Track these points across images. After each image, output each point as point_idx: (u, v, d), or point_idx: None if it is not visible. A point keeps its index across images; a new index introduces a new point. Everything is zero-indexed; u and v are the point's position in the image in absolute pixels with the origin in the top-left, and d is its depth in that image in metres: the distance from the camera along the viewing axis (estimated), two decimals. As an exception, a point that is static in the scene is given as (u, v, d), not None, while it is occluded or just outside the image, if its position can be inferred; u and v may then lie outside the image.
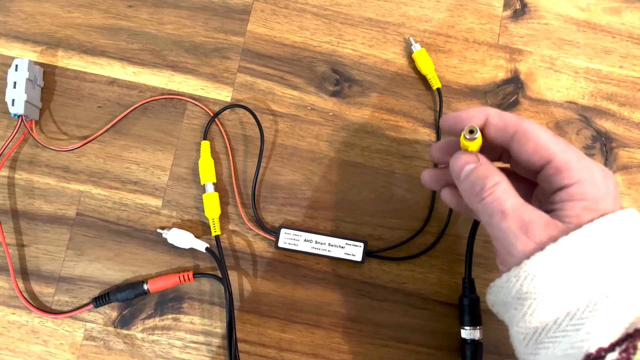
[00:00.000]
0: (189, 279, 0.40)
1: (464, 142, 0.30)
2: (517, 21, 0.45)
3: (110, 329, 0.41)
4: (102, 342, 0.40)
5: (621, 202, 0.28)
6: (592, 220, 0.26)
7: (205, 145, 0.42)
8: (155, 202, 0.42)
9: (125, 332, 0.41)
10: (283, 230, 0.41)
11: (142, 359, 0.40)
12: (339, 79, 0.44)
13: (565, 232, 0.26)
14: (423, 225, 0.42)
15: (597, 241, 0.26)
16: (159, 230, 0.41)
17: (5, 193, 0.42)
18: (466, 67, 0.44)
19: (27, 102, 0.40)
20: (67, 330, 0.40)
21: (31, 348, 0.40)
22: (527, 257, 0.26)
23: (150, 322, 0.41)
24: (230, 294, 0.40)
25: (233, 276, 0.41)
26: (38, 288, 0.41)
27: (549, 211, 0.28)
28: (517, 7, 0.45)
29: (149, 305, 0.41)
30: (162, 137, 0.43)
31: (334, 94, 0.44)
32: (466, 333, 0.40)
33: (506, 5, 0.45)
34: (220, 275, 0.40)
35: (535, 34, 0.45)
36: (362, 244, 0.41)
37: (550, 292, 0.26)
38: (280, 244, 0.41)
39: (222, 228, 0.42)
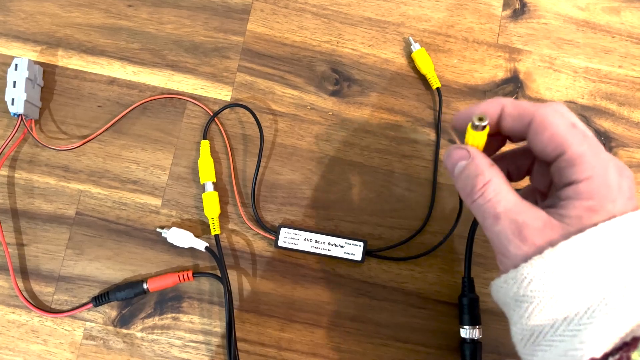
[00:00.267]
0: (189, 278, 0.40)
1: (468, 134, 0.29)
2: (516, 21, 0.45)
3: (110, 328, 0.41)
4: (101, 341, 0.40)
5: (636, 203, 0.26)
6: (595, 224, 0.25)
7: (205, 144, 0.42)
8: (155, 202, 0.42)
9: (124, 331, 0.41)
10: (283, 230, 0.41)
11: (141, 358, 0.40)
12: (338, 79, 0.44)
13: (564, 236, 0.25)
14: (423, 224, 0.42)
15: (599, 246, 0.25)
16: (158, 229, 0.41)
17: (5, 192, 0.42)
18: (466, 67, 0.44)
19: (26, 101, 0.40)
20: (66, 330, 0.40)
21: (31, 347, 0.40)
22: (524, 260, 0.26)
23: (149, 322, 0.41)
24: (230, 293, 0.40)
25: (232, 275, 0.41)
26: (38, 287, 0.41)
27: (552, 206, 0.27)
28: (517, 6, 0.45)
29: (148, 305, 0.41)
30: (161, 137, 0.43)
31: (333, 94, 0.44)
32: (465, 332, 0.40)
33: (506, 5, 0.45)
34: (219, 274, 0.40)
35: (534, 34, 0.45)
36: (361, 244, 0.41)
37: (548, 296, 0.25)
38: (280, 243, 0.41)
39: (221, 227, 0.42)
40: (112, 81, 0.43)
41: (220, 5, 0.44)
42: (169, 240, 0.40)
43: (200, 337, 0.41)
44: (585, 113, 0.44)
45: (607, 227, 0.25)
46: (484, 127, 0.28)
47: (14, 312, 0.41)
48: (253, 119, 0.43)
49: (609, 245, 0.25)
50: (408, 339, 0.41)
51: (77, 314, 0.41)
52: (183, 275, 0.40)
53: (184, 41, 0.44)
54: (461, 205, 0.42)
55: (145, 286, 0.40)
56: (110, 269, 0.41)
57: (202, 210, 0.42)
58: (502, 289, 0.27)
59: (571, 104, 0.44)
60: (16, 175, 0.42)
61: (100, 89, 0.43)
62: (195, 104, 0.43)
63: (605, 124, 0.44)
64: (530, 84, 0.44)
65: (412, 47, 0.43)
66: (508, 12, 0.45)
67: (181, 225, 0.42)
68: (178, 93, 0.43)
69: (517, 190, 0.29)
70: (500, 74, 0.44)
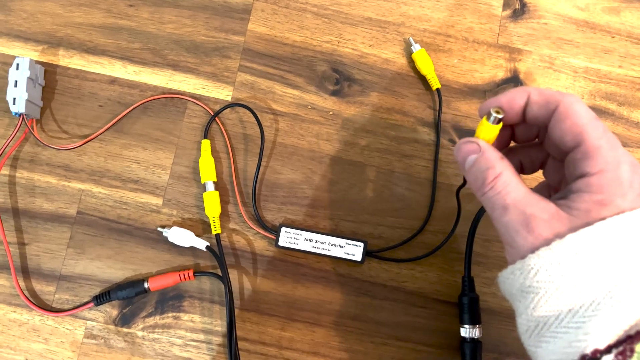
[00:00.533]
0: (190, 278, 0.40)
1: (480, 127, 0.29)
2: (516, 21, 0.45)
3: (111, 327, 0.41)
4: (102, 340, 0.40)
5: None
6: (603, 218, 0.25)
7: (206, 144, 0.42)
8: (156, 201, 0.42)
9: (125, 330, 0.41)
10: (283, 229, 0.41)
11: (142, 357, 0.40)
12: (339, 78, 0.44)
13: (572, 228, 0.25)
14: (423, 224, 0.42)
15: (607, 240, 0.25)
16: (159, 228, 0.41)
17: (6, 191, 0.42)
18: (466, 67, 0.44)
19: (28, 100, 0.40)
20: (67, 329, 0.41)
21: (32, 346, 0.40)
22: (532, 251, 0.26)
23: (150, 321, 0.41)
24: (231, 292, 0.40)
25: (233, 274, 0.41)
26: (39, 286, 0.41)
27: (562, 199, 0.27)
28: (517, 6, 0.45)
29: (149, 304, 0.41)
30: (162, 136, 0.43)
31: (334, 93, 0.44)
32: (466, 331, 0.40)
33: (506, 5, 0.45)
34: (220, 273, 0.40)
35: (534, 34, 0.45)
36: (362, 244, 0.41)
37: (554, 287, 0.25)
38: (281, 243, 0.41)
39: (222, 227, 0.42)
40: (113, 81, 0.43)
41: (221, 5, 0.44)
42: (170, 239, 0.41)
43: (201, 336, 0.41)
44: (585, 113, 0.44)
45: (615, 221, 0.25)
46: (499, 121, 0.28)
47: (15, 311, 0.41)
48: (254, 119, 0.43)
49: (617, 240, 0.25)
50: (408, 338, 0.41)
51: (78, 313, 0.41)
52: (184, 274, 0.40)
53: (184, 41, 0.44)
54: (459, 206, 0.42)
55: (146, 285, 0.40)
56: (111, 268, 0.41)
57: (203, 209, 0.42)
58: (508, 280, 0.28)
59: (571, 104, 0.44)
60: (17, 174, 0.42)
61: (101, 89, 0.43)
62: (196, 103, 0.43)
63: (605, 124, 0.44)
64: (530, 84, 0.44)
65: (412, 47, 0.43)
66: (508, 12, 0.45)
67: (182, 224, 0.42)
68: (179, 93, 0.43)
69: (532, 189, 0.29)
70: (501, 74, 0.44)
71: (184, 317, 0.41)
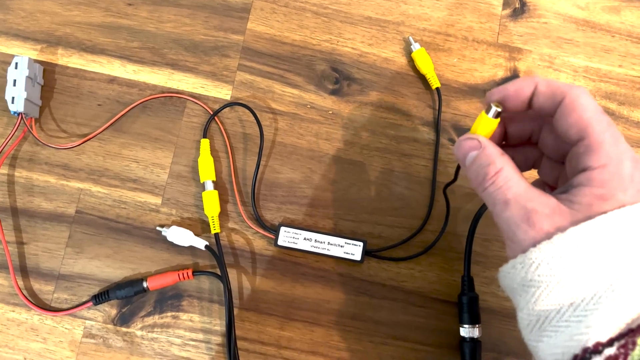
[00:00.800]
0: (189, 277, 0.40)
1: (478, 121, 0.29)
2: (516, 20, 0.45)
3: (110, 326, 0.41)
4: (101, 339, 0.40)
5: None
6: (605, 212, 0.25)
7: (205, 143, 0.42)
8: (155, 200, 0.42)
9: (124, 329, 0.41)
10: (283, 229, 0.41)
11: (141, 356, 0.40)
12: (338, 78, 0.44)
13: (574, 222, 0.25)
14: (422, 224, 0.42)
15: (608, 234, 0.25)
16: (158, 228, 0.41)
17: (5, 191, 0.42)
18: (465, 66, 0.44)
19: (27, 99, 0.40)
20: (66, 328, 0.40)
21: (30, 345, 0.40)
22: (533, 245, 0.26)
23: (149, 320, 0.41)
24: (230, 291, 0.40)
25: (232, 274, 0.41)
26: (37, 285, 0.41)
27: (563, 193, 0.27)
28: (517, 5, 0.45)
29: (148, 303, 0.41)
30: (161, 135, 0.43)
31: (333, 93, 0.44)
32: (465, 331, 0.40)
33: (505, 4, 0.45)
34: (219, 273, 0.40)
35: (534, 33, 0.45)
36: (361, 244, 0.41)
37: (555, 281, 0.25)
38: (280, 242, 0.41)
39: (221, 226, 0.42)
40: (112, 80, 0.43)
41: (220, 4, 0.44)
42: (169, 238, 0.40)
43: (200, 336, 0.41)
44: (585, 112, 0.44)
45: (616, 215, 0.25)
46: (498, 114, 0.28)
47: (13, 311, 0.41)
48: (253, 118, 0.43)
49: (618, 233, 0.25)
50: (408, 338, 0.41)
51: (77, 313, 0.41)
52: (183, 273, 0.40)
53: (183, 40, 0.44)
54: (448, 203, 0.42)
55: (145, 285, 0.40)
56: (110, 268, 0.41)
57: (202, 208, 0.42)
58: (509, 275, 0.27)
59: (571, 103, 0.44)
60: (16, 173, 0.42)
61: (100, 88, 0.43)
62: (195, 102, 0.43)
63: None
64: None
65: (412, 46, 0.43)
66: (508, 11, 0.45)
67: (181, 223, 0.42)
68: (178, 92, 0.43)
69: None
70: (500, 73, 0.44)
71: (183, 316, 0.41)
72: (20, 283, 0.41)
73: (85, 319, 0.41)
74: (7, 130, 0.42)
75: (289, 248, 0.41)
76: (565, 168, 0.30)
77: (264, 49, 0.44)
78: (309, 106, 0.44)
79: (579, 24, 0.45)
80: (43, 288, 0.41)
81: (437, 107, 0.43)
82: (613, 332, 0.24)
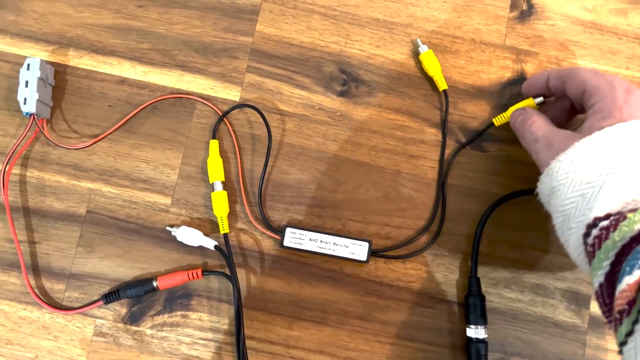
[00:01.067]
0: (198, 277, 0.41)
1: (524, 101, 0.42)
2: (523, 22, 0.45)
3: (120, 325, 0.41)
4: (111, 338, 0.41)
5: None
6: (603, 127, 0.32)
7: (214, 144, 0.42)
8: (165, 200, 0.42)
9: (134, 328, 0.41)
10: (288, 230, 0.41)
11: (151, 355, 0.41)
12: (346, 79, 0.44)
13: (581, 139, 0.32)
14: (428, 224, 0.42)
15: (608, 141, 0.31)
16: (168, 228, 0.41)
17: (17, 190, 0.42)
18: (473, 68, 0.45)
19: (38, 101, 0.41)
20: (77, 326, 0.41)
21: (42, 343, 0.41)
22: (553, 160, 0.33)
23: (159, 319, 0.41)
24: (239, 291, 0.40)
25: (241, 274, 0.42)
26: (49, 284, 0.41)
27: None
28: (524, 8, 0.45)
29: (158, 302, 0.41)
30: (171, 136, 0.43)
31: (341, 94, 0.44)
32: (472, 332, 0.40)
33: (513, 7, 0.45)
34: (228, 272, 0.41)
35: (541, 35, 0.45)
36: (366, 244, 0.41)
37: (569, 182, 0.32)
38: (286, 243, 0.41)
39: (230, 226, 0.42)
40: (123, 81, 0.44)
41: (230, 6, 0.45)
42: (179, 238, 0.41)
43: (209, 335, 0.41)
44: (592, 114, 0.44)
45: (615, 128, 0.32)
46: (540, 103, 0.41)
47: (25, 309, 0.41)
48: (261, 119, 0.43)
49: (616, 141, 0.31)
50: (414, 338, 0.41)
51: (88, 311, 0.41)
52: (192, 273, 0.40)
53: (193, 41, 0.44)
54: (444, 203, 0.42)
55: (155, 284, 0.40)
56: (120, 267, 0.42)
57: (212, 209, 0.42)
58: (541, 187, 0.35)
59: (578, 105, 0.44)
60: (28, 173, 0.42)
61: (111, 89, 0.44)
62: (205, 103, 0.43)
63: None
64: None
65: (419, 48, 0.44)
66: (515, 13, 0.45)
67: (190, 223, 0.42)
68: (187, 93, 0.44)
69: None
70: (507, 75, 0.44)
71: (192, 315, 0.41)
72: (32, 282, 0.41)
73: (96, 317, 0.41)
74: (19, 131, 0.43)
75: (295, 249, 0.41)
76: None
77: (273, 50, 0.44)
78: (317, 107, 0.44)
79: (586, 26, 0.45)
80: (54, 287, 0.41)
81: (444, 109, 0.44)
82: (610, 209, 0.30)
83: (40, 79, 0.41)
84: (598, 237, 0.30)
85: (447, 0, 0.45)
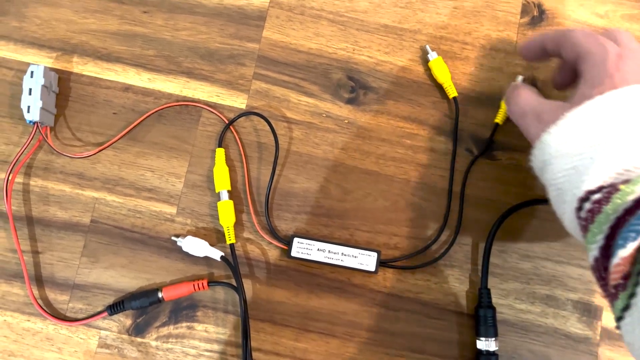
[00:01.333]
0: (204, 287, 0.40)
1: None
2: (534, 28, 0.45)
3: (125, 336, 0.40)
4: (116, 349, 0.40)
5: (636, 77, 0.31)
6: (593, 96, 0.31)
7: (220, 152, 0.42)
8: (170, 210, 0.42)
9: (139, 340, 0.40)
10: (296, 240, 0.41)
11: (156, 367, 0.40)
12: (354, 86, 0.44)
13: (571, 109, 0.31)
14: (437, 235, 0.42)
15: (600, 109, 0.30)
16: (173, 237, 0.41)
17: (20, 199, 0.42)
18: (483, 75, 0.44)
19: (42, 108, 0.40)
20: (81, 338, 0.40)
21: (46, 355, 0.40)
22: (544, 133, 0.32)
23: (164, 330, 0.41)
24: (245, 302, 0.40)
25: (247, 284, 0.41)
26: (53, 295, 0.41)
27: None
28: (535, 13, 0.45)
29: (163, 313, 0.41)
30: (177, 144, 0.42)
31: (349, 101, 0.43)
32: (482, 344, 0.39)
33: (524, 12, 0.45)
34: (234, 283, 0.40)
35: (553, 41, 0.44)
36: (375, 254, 0.40)
37: (560, 155, 0.31)
38: (293, 253, 0.40)
39: (236, 236, 0.41)
40: (127, 88, 0.43)
41: (236, 12, 0.44)
42: (184, 249, 0.40)
43: (215, 347, 0.40)
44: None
45: (607, 96, 0.31)
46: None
47: (29, 320, 0.41)
48: (268, 127, 0.42)
49: (609, 109, 0.30)
50: (424, 350, 0.41)
51: (92, 323, 0.40)
52: (198, 284, 0.40)
53: (199, 48, 0.44)
54: (461, 213, 0.42)
55: (160, 295, 0.40)
56: (125, 277, 0.41)
57: (218, 218, 0.41)
58: (534, 160, 0.34)
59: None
60: (31, 182, 0.42)
61: (116, 96, 0.43)
62: (211, 111, 0.43)
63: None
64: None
65: (429, 55, 0.43)
66: (526, 19, 0.45)
67: (196, 233, 0.41)
68: (193, 100, 0.43)
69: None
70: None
71: (198, 327, 0.41)
72: (36, 292, 0.41)
73: (100, 329, 0.41)
74: (22, 139, 0.42)
75: (303, 259, 0.41)
76: None
77: (280, 57, 0.44)
78: (324, 115, 0.43)
79: (598, 32, 0.44)
80: (58, 298, 0.41)
81: (454, 117, 0.43)
82: (603, 181, 0.29)
83: (44, 86, 0.40)
84: (591, 210, 0.29)
85: (457, 6, 0.45)
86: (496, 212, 0.42)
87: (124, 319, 0.41)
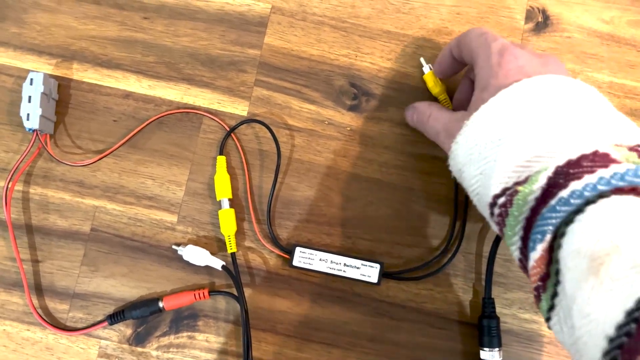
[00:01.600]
0: (205, 297, 0.40)
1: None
2: (539, 34, 0.44)
3: (125, 346, 0.40)
4: (116, 359, 0.40)
5: (528, 71, 0.31)
6: (485, 101, 0.31)
7: (221, 160, 0.41)
8: (171, 218, 0.41)
9: (140, 349, 0.40)
10: (298, 249, 0.40)
11: (156, 377, 0.40)
12: (356, 93, 0.43)
13: (470, 116, 0.32)
14: (446, 245, 0.41)
15: (493, 111, 0.31)
16: (174, 246, 0.40)
17: (19, 208, 0.41)
18: (487, 82, 0.43)
19: (42, 116, 0.40)
20: (81, 348, 0.40)
21: (45, 365, 0.40)
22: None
23: (165, 340, 0.40)
24: (247, 312, 0.39)
25: (249, 293, 0.41)
26: (52, 304, 0.41)
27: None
28: (540, 19, 0.44)
29: (164, 323, 0.40)
30: (177, 152, 0.42)
31: (351, 109, 0.43)
32: (485, 354, 0.39)
33: (528, 18, 0.44)
34: (236, 293, 0.40)
35: (557, 47, 0.44)
36: (378, 265, 0.40)
37: (467, 160, 0.32)
38: (295, 263, 0.40)
39: (238, 244, 0.41)
40: (128, 95, 0.43)
41: (237, 18, 0.44)
42: (185, 257, 0.40)
43: (216, 357, 0.40)
44: (610, 130, 0.43)
45: (498, 97, 0.31)
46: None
47: (28, 330, 0.40)
48: (270, 134, 0.42)
49: (502, 109, 0.30)
50: (427, 360, 0.40)
51: (92, 332, 0.40)
52: (199, 293, 0.39)
53: (200, 54, 0.43)
54: (464, 222, 0.41)
55: (160, 304, 0.39)
56: (125, 286, 0.41)
57: (219, 227, 0.41)
58: (452, 170, 0.35)
59: (595, 120, 0.43)
60: (31, 190, 0.42)
61: (116, 103, 0.43)
62: (212, 118, 0.42)
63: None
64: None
65: (423, 68, 0.42)
66: (531, 25, 0.44)
67: (197, 242, 0.41)
68: (194, 107, 0.43)
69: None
70: (522, 89, 0.43)
71: (199, 336, 0.40)
72: (35, 302, 0.40)
73: (101, 338, 0.40)
74: (22, 147, 0.42)
75: (305, 269, 0.40)
76: None
77: (281, 64, 0.43)
78: (326, 122, 0.43)
79: (603, 38, 0.44)
80: (58, 307, 0.41)
81: (457, 124, 0.43)
82: (505, 183, 0.29)
83: (43, 94, 0.40)
84: (500, 215, 0.30)
85: (460, 12, 0.44)
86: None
87: (125, 329, 0.40)
